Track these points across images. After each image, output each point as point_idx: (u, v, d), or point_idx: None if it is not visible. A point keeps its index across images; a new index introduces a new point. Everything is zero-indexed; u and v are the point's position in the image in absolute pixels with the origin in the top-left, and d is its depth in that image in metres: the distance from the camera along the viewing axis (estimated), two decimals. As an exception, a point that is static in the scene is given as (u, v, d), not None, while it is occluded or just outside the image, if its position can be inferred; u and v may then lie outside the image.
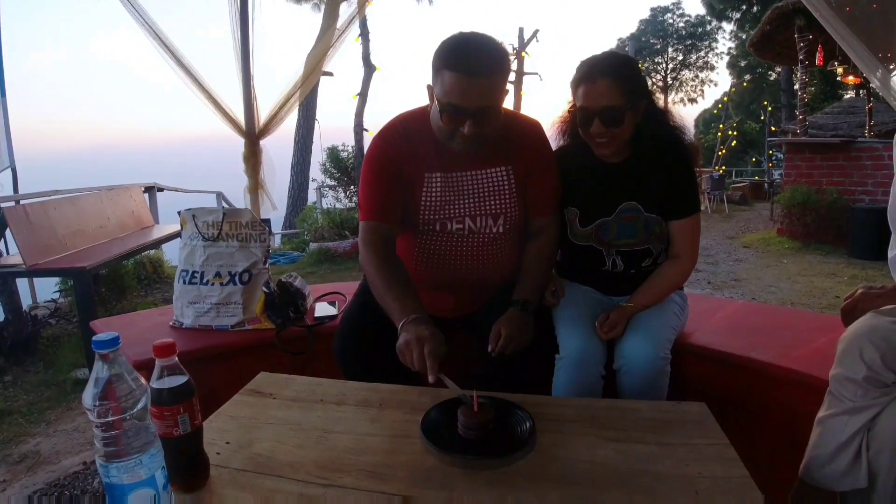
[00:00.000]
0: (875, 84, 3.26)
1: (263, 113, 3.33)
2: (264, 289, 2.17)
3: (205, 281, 2.16)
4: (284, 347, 2.07)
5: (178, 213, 2.31)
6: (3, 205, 4.43)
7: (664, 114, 1.78)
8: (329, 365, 1.78)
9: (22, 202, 5.23)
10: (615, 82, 1.62)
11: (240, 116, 3.27)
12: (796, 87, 10.36)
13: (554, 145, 1.85)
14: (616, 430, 1.23)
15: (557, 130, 1.85)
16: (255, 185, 3.31)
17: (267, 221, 2.26)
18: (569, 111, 1.78)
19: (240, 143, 3.39)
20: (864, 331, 1.26)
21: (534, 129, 1.81)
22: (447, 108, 1.55)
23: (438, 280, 1.81)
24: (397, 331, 1.46)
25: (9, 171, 5.22)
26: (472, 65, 1.51)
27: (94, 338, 0.86)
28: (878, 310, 1.33)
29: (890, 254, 1.55)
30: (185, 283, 2.20)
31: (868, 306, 1.41)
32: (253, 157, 3.26)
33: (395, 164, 1.72)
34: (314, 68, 3.43)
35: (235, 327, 2.15)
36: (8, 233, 3.99)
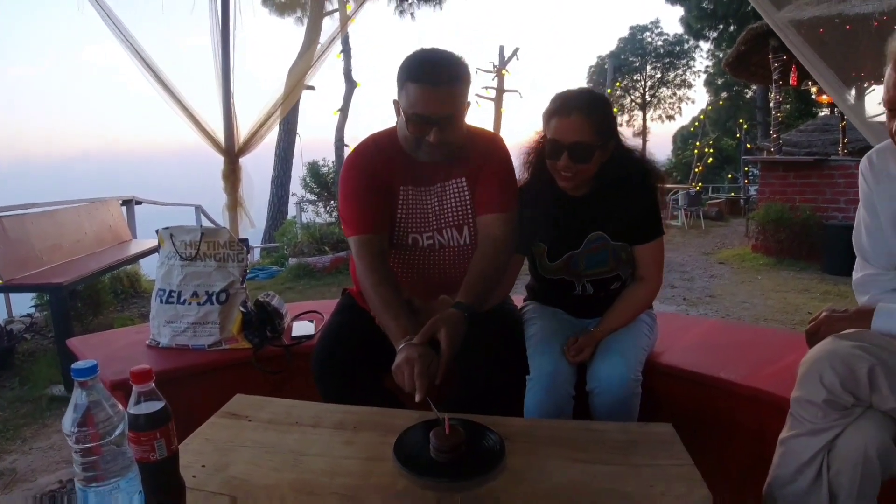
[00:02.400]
0: (841, 106, 3.38)
1: (244, 130, 3.34)
2: (241, 308, 2.19)
3: (182, 300, 2.17)
4: (262, 367, 2.08)
5: (156, 231, 2.31)
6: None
7: (630, 151, 1.84)
8: (306, 383, 1.78)
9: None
10: (588, 119, 1.67)
11: (219, 133, 3.28)
12: (771, 105, 10.59)
13: (518, 168, 1.88)
14: (584, 451, 1.26)
15: (523, 159, 1.89)
16: (234, 203, 3.31)
17: (245, 241, 2.28)
18: (538, 140, 1.82)
19: (219, 155, 3.40)
20: (824, 355, 1.31)
21: (490, 139, 1.87)
22: (413, 118, 1.62)
23: (417, 293, 1.84)
24: (392, 351, 1.49)
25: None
26: (434, 76, 1.59)
27: (73, 366, 0.88)
28: (840, 333, 1.38)
29: (854, 276, 1.62)
30: (161, 301, 2.20)
31: (831, 329, 1.46)
32: (232, 175, 3.27)
33: (373, 178, 1.77)
34: (296, 85, 3.45)
35: (212, 347, 2.16)
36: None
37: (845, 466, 1.26)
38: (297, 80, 3.45)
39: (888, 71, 1.34)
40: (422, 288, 1.83)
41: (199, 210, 8.17)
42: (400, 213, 1.80)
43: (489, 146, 1.84)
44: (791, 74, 10.31)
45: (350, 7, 3.95)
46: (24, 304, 5.24)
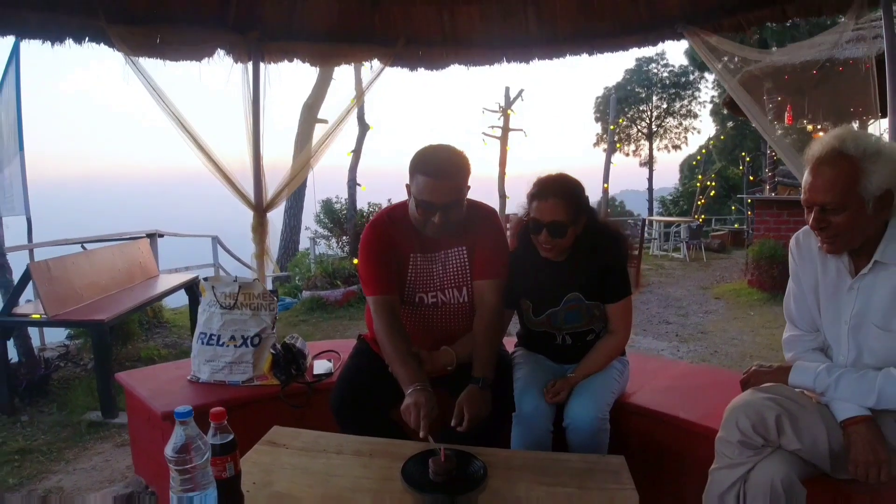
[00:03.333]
0: (773, 145, 3.77)
1: (270, 182, 3.75)
2: (271, 350, 2.55)
3: (221, 343, 2.54)
4: (288, 402, 2.44)
5: (199, 280, 2.70)
6: (12, 253, 4.77)
7: (602, 224, 2.21)
8: (325, 416, 2.14)
9: (34, 250, 5.64)
10: (562, 202, 2.05)
11: (249, 190, 3.68)
12: (768, 145, 10.90)
13: (508, 237, 2.27)
14: (550, 476, 1.61)
15: (512, 231, 2.28)
16: (262, 252, 3.70)
17: (275, 291, 2.65)
18: (524, 217, 2.19)
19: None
20: (740, 404, 1.66)
21: (486, 213, 2.24)
22: (421, 204, 1.99)
23: (423, 344, 2.19)
24: (403, 393, 1.84)
25: (24, 219, 5.60)
26: (440, 170, 1.97)
27: (175, 410, 1.24)
28: (758, 386, 1.73)
29: (783, 336, 1.95)
30: (203, 343, 2.57)
31: (757, 381, 1.81)
32: (260, 228, 3.66)
33: (387, 246, 2.14)
34: (312, 156, 3.87)
35: (246, 383, 2.53)
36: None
37: (757, 496, 1.60)
38: (318, 146, 3.85)
39: (805, 174, 1.68)
40: (427, 339, 2.19)
41: (216, 241, 8.54)
42: (410, 276, 2.17)
43: (485, 220, 2.21)
44: (786, 114, 10.64)
45: (368, 67, 4.35)
46: (54, 332, 5.60)
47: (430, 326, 2.21)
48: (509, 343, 2.50)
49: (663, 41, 3.58)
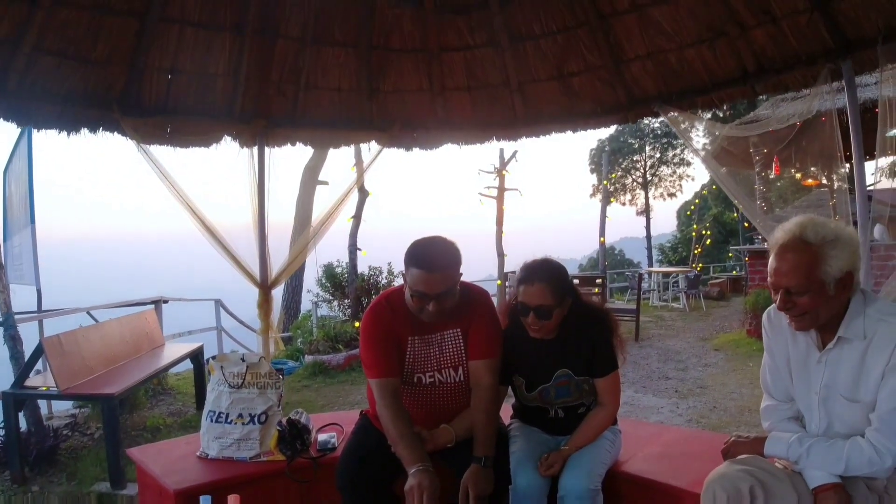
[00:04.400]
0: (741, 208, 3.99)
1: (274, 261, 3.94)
2: (277, 427, 2.66)
3: (229, 421, 2.65)
4: (294, 477, 2.54)
5: (207, 360, 2.84)
6: (23, 323, 4.89)
7: (587, 305, 2.37)
8: (330, 490, 2.25)
9: (44, 320, 5.77)
10: (547, 286, 2.21)
11: (254, 269, 3.86)
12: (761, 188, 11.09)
13: (501, 317, 2.42)
14: (542, 551, 1.70)
15: (503, 311, 2.44)
16: (266, 328, 3.86)
17: (281, 371, 2.78)
18: (513, 301, 2.35)
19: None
20: (717, 477, 1.79)
21: (478, 295, 2.40)
22: (415, 294, 2.16)
23: (422, 421, 2.30)
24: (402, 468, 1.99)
25: (34, 288, 5.73)
26: (431, 264, 2.14)
27: (200, 497, 1.36)
28: (734, 458, 1.86)
29: (761, 406, 2.08)
30: (212, 421, 2.69)
31: (736, 451, 1.94)
32: (266, 305, 3.83)
33: (387, 330, 2.29)
34: (312, 236, 4.08)
35: (253, 458, 2.63)
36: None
37: None
38: (320, 223, 4.06)
39: (771, 259, 1.83)
40: (426, 416, 2.32)
41: (219, 304, 8.67)
42: (409, 358, 2.32)
43: (478, 303, 2.37)
44: (774, 164, 10.91)
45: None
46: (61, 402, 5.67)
47: (429, 404, 2.34)
48: (505, 415, 2.62)
49: (641, 118, 3.83)
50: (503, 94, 4.06)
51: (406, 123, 4.16)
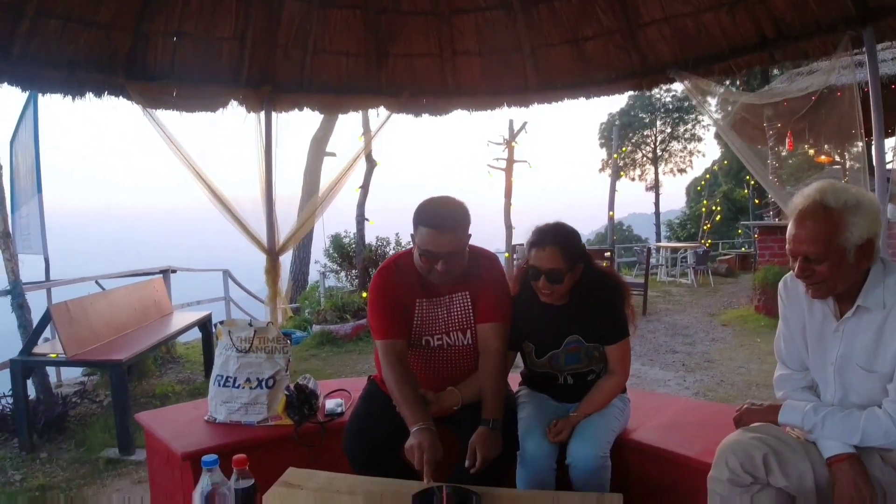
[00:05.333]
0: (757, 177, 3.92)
1: (282, 227, 3.92)
2: (285, 391, 2.66)
3: (237, 385, 2.65)
4: (301, 441, 2.54)
5: (215, 325, 2.82)
6: (31, 292, 4.91)
7: (599, 270, 2.33)
8: (338, 455, 2.25)
9: (52, 289, 5.79)
10: (559, 250, 2.16)
11: (262, 235, 3.84)
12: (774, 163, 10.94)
13: (511, 283, 2.38)
14: (551, 516, 1.69)
15: (515, 276, 2.40)
16: (274, 295, 3.85)
17: (288, 335, 2.77)
18: (523, 265, 2.31)
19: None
20: (729, 444, 1.76)
21: (488, 259, 2.36)
22: (424, 253, 2.13)
23: (429, 384, 2.27)
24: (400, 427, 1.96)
25: (41, 258, 5.75)
26: (441, 222, 2.10)
27: (203, 458, 1.35)
28: (747, 426, 1.83)
29: (774, 376, 2.04)
30: (219, 385, 2.68)
31: (749, 419, 1.90)
32: (273, 271, 3.81)
33: (394, 293, 2.26)
34: (319, 206, 4.05)
35: (261, 423, 2.63)
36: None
37: None
38: (327, 190, 4.02)
39: (789, 226, 1.79)
40: (433, 379, 2.30)
41: (227, 274, 8.69)
42: (416, 320, 2.29)
43: (487, 266, 2.33)
44: (787, 140, 10.75)
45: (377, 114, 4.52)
46: (70, 369, 5.72)
47: (437, 367, 2.33)
48: (513, 381, 2.60)
49: (657, 85, 3.75)
50: (515, 59, 3.96)
51: (415, 89, 4.08)
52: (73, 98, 3.65)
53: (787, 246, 1.77)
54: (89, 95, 3.68)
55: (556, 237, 2.20)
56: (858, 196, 1.70)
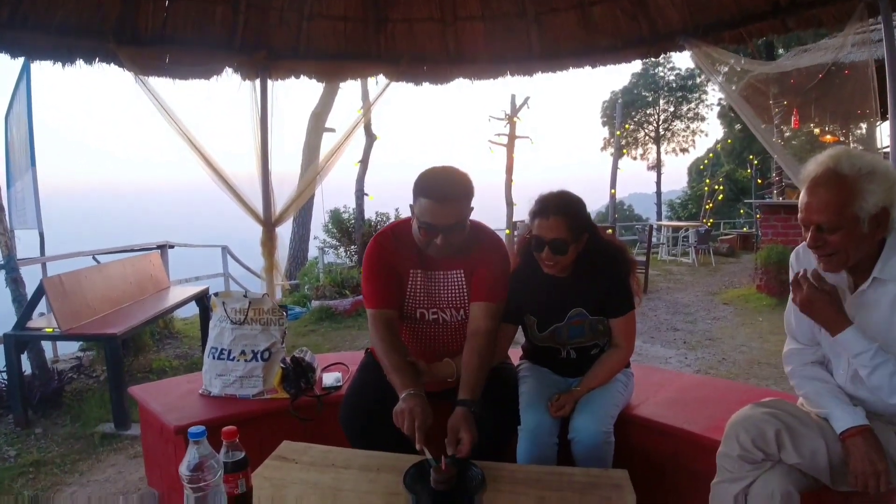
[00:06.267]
0: (769, 149, 3.83)
1: (278, 197, 3.83)
2: (281, 364, 2.60)
3: (231, 357, 2.59)
4: (297, 415, 2.48)
5: (210, 296, 2.75)
6: (25, 267, 4.85)
7: (604, 241, 2.25)
8: (334, 429, 2.17)
9: (47, 263, 5.72)
10: (564, 219, 2.08)
11: (258, 205, 3.76)
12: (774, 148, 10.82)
13: (513, 255, 2.30)
14: (553, 490, 1.64)
15: (517, 247, 2.31)
16: (271, 267, 3.77)
17: (284, 307, 2.70)
18: (526, 235, 2.23)
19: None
20: (740, 419, 1.69)
21: (489, 237, 2.26)
22: (423, 225, 2.03)
23: (423, 358, 2.20)
24: (398, 400, 1.87)
25: (36, 233, 5.68)
26: (442, 194, 2.00)
27: (189, 430, 1.28)
28: (758, 402, 1.76)
29: (784, 349, 1.97)
30: (214, 358, 2.62)
31: (807, 297, 1.68)
32: (269, 243, 3.73)
33: (389, 262, 2.19)
34: (319, 172, 3.95)
35: (256, 396, 2.58)
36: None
37: None
38: (324, 160, 3.92)
39: (801, 194, 1.70)
40: (427, 353, 2.23)
41: (226, 251, 8.62)
42: (409, 292, 2.22)
43: (488, 244, 2.23)
44: (793, 118, 10.62)
45: (375, 80, 4.41)
46: (66, 344, 5.68)
47: (431, 342, 2.26)
48: (515, 355, 2.54)
49: (665, 53, 3.62)
50: (518, 26, 3.83)
51: (415, 56, 3.96)
52: (64, 65, 3.56)
53: (798, 215, 1.70)
54: (80, 62, 3.57)
55: (561, 206, 2.11)
56: (874, 163, 1.61)
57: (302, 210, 11.77)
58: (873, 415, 1.69)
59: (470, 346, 2.10)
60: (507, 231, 10.82)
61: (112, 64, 3.60)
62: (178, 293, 5.46)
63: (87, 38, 3.50)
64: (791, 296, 1.94)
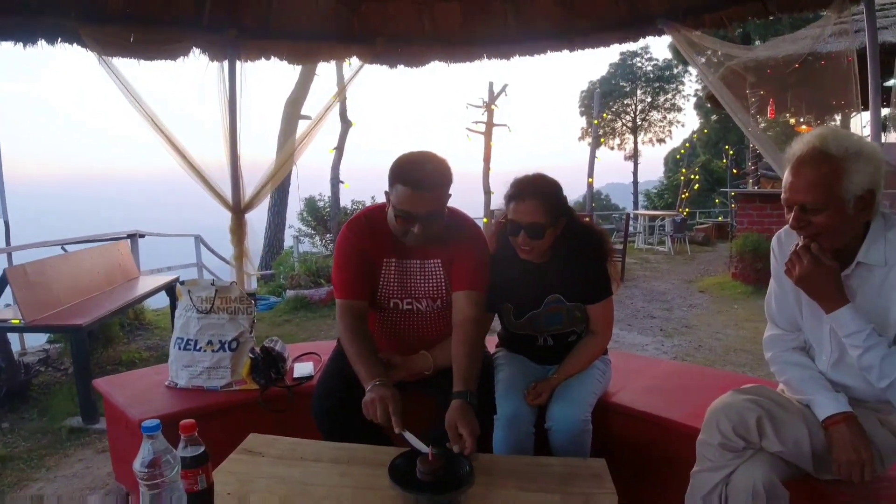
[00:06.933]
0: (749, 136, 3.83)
1: (248, 183, 3.71)
2: (250, 354, 2.51)
3: (198, 348, 2.50)
4: (267, 406, 2.40)
5: (175, 284, 2.65)
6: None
7: (582, 224, 2.19)
8: (306, 420, 2.10)
9: (12, 253, 5.53)
10: (540, 203, 2.01)
11: (227, 191, 3.64)
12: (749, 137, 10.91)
13: (489, 241, 2.22)
14: (531, 481, 1.59)
15: (492, 232, 2.24)
16: (241, 254, 3.65)
17: (253, 295, 2.61)
18: (501, 219, 2.16)
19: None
20: (721, 406, 1.65)
21: (467, 225, 2.17)
22: (400, 213, 1.93)
23: (398, 349, 2.16)
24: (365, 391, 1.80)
25: (1, 221, 5.48)
26: (420, 180, 1.90)
27: (143, 424, 1.20)
28: (738, 389, 1.72)
29: (765, 335, 1.94)
30: (180, 348, 2.53)
31: (803, 271, 1.62)
32: (238, 230, 3.61)
33: (361, 249, 2.09)
34: (293, 152, 3.84)
35: (224, 388, 2.49)
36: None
37: (739, 498, 1.59)
38: (294, 148, 3.81)
39: (786, 174, 1.65)
40: (401, 343, 2.17)
41: (199, 240, 8.45)
42: (383, 281, 2.13)
43: (467, 233, 2.14)
44: (769, 108, 10.70)
45: (349, 63, 4.31)
46: (35, 336, 5.51)
47: (405, 332, 2.19)
48: (490, 343, 2.48)
49: (644, 37, 3.58)
50: (495, 7, 3.74)
51: (390, 37, 3.85)
52: (25, 45, 3.39)
53: (782, 196, 1.64)
54: (42, 42, 3.41)
55: (537, 189, 2.05)
56: (861, 144, 1.57)
57: (277, 199, 11.61)
58: (856, 401, 1.66)
59: (458, 337, 2.02)
60: (486, 220, 10.77)
61: (74, 44, 3.45)
62: (147, 283, 5.32)
63: (49, 15, 3.33)
64: (772, 281, 1.91)
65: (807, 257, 1.61)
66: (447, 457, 1.60)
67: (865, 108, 3.31)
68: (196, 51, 3.62)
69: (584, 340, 2.23)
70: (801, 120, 11.79)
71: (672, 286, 8.57)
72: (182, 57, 3.60)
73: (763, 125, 11.75)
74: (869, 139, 3.14)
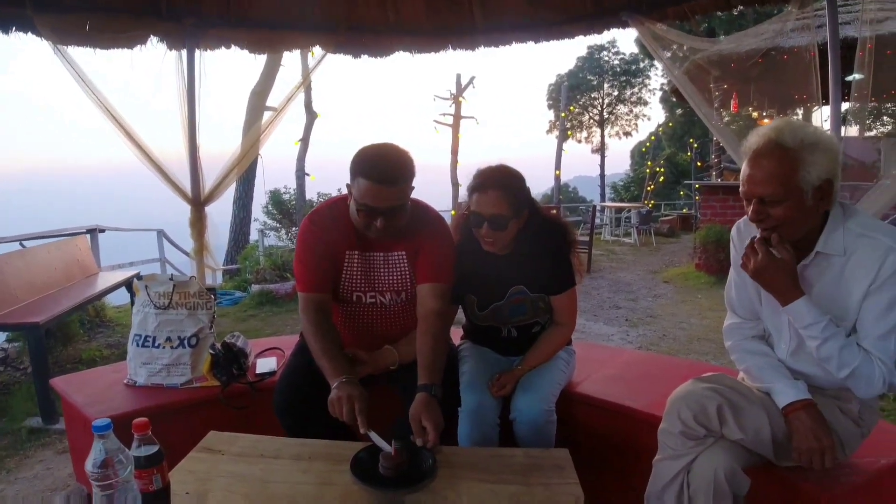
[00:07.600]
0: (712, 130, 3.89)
1: (208, 174, 3.63)
2: (210, 350, 2.46)
3: (156, 345, 2.44)
4: (229, 403, 2.35)
5: (133, 279, 2.58)
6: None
7: (545, 217, 2.19)
8: (269, 417, 2.06)
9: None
10: (503, 194, 2.00)
11: (186, 184, 3.55)
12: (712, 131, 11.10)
13: (454, 233, 2.20)
14: (494, 473, 1.59)
15: (455, 224, 2.23)
16: (201, 248, 3.57)
17: (213, 290, 2.55)
18: (464, 212, 2.15)
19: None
20: (681, 395, 1.67)
21: (432, 216, 2.15)
22: (362, 208, 1.90)
23: (361, 343, 2.13)
24: (330, 387, 1.77)
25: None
26: (383, 174, 1.86)
27: (94, 423, 1.17)
28: (699, 377, 1.74)
29: (725, 323, 1.96)
30: (138, 345, 2.47)
31: (760, 265, 1.64)
32: (199, 223, 3.52)
33: (323, 242, 2.05)
34: (255, 143, 3.76)
35: (184, 385, 2.44)
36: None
37: (700, 486, 1.61)
38: (254, 138, 3.74)
39: (743, 167, 1.67)
40: (365, 338, 2.14)
41: (162, 234, 8.27)
42: (345, 274, 2.09)
43: (432, 225, 2.11)
44: (732, 101, 10.89)
45: (313, 53, 4.23)
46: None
47: (369, 326, 2.16)
48: (455, 335, 2.47)
49: (608, 29, 3.59)
50: (460, -4, 3.72)
51: (354, 26, 3.79)
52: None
53: (741, 189, 1.66)
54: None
55: (500, 180, 2.04)
56: (817, 134, 1.58)
57: (243, 192, 11.42)
58: (816, 389, 1.69)
59: (422, 329, 2.00)
60: (453, 212, 10.76)
61: (29, 33, 3.31)
62: (107, 279, 5.19)
63: (3, 5, 3.22)
64: (732, 270, 1.93)
65: (762, 250, 1.63)
66: (410, 451, 1.58)
67: (826, 103, 3.37)
68: (154, 39, 3.52)
69: (548, 331, 2.23)
70: (764, 114, 12.03)
71: (637, 277, 8.69)
72: (139, 45, 3.49)
73: (727, 119, 11.98)
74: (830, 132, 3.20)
